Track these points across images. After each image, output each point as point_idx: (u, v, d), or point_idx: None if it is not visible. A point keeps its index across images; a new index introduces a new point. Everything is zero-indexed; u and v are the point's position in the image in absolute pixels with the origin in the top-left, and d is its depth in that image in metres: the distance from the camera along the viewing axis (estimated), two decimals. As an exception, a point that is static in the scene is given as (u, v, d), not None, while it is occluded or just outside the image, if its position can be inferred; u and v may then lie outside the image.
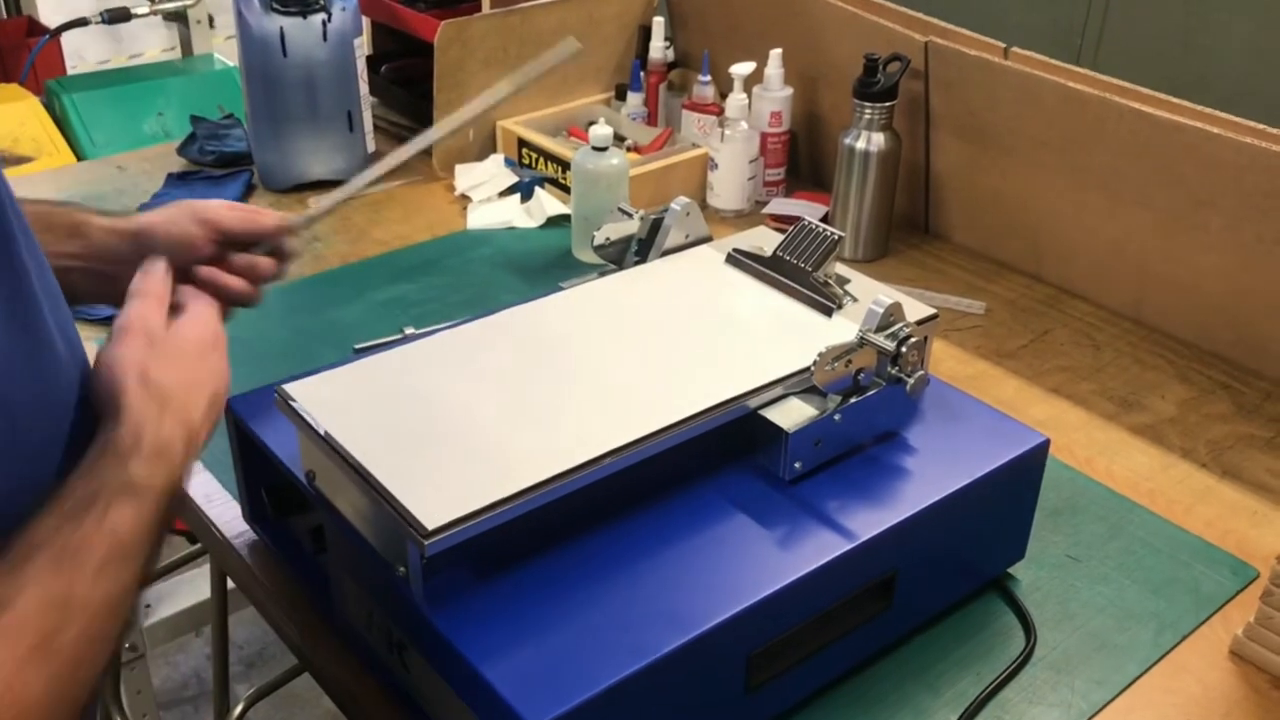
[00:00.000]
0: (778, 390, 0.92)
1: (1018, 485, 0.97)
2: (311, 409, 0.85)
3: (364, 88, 1.64)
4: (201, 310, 0.79)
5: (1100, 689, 0.92)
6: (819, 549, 0.84)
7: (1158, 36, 2.97)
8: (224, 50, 2.80)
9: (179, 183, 1.68)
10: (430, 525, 0.74)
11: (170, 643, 2.12)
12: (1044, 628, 0.97)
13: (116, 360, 0.70)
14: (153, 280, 0.77)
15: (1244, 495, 1.13)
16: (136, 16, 2.71)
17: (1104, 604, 1.00)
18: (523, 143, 1.69)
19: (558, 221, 1.59)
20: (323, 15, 1.56)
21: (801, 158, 1.72)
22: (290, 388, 0.87)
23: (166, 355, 0.72)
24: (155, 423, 0.67)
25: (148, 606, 2.01)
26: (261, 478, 0.97)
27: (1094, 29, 3.07)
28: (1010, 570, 1.02)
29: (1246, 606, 0.99)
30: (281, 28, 1.55)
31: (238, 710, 1.61)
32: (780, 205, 1.63)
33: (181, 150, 1.76)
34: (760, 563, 0.83)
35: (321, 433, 0.82)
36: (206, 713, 2.14)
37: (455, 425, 0.85)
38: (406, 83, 1.91)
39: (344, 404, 0.86)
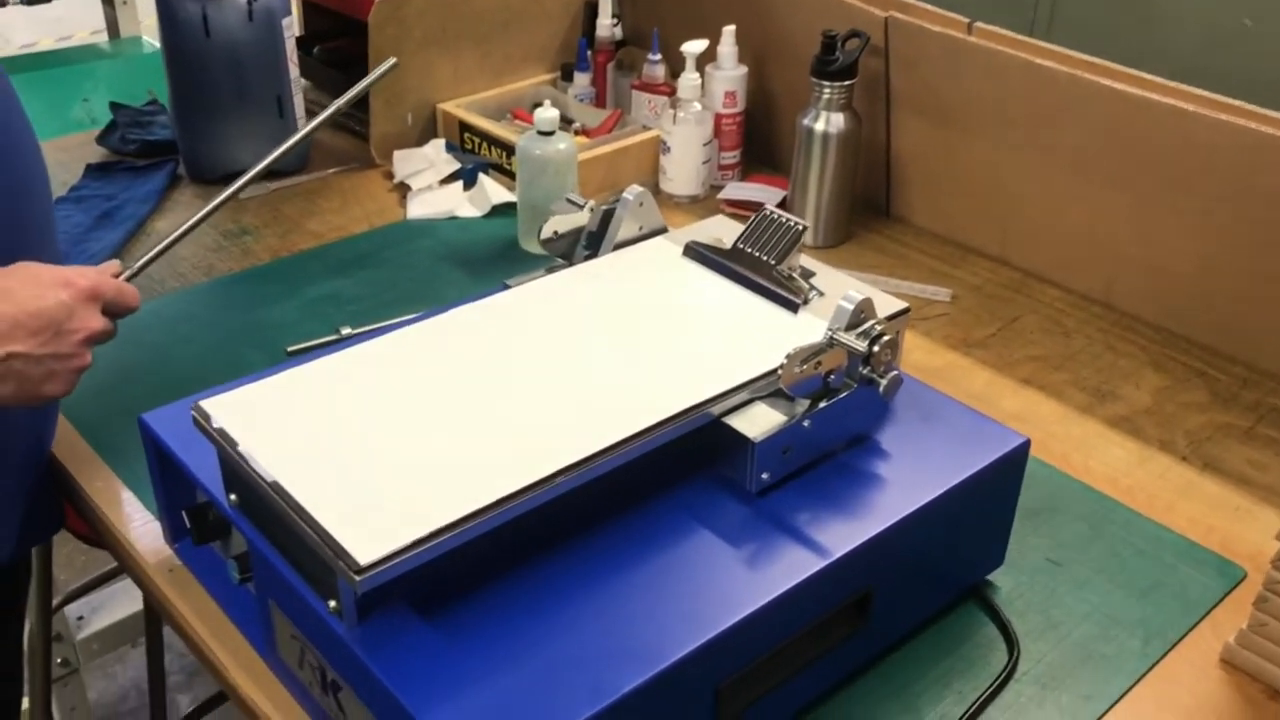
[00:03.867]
0: (743, 395, 0.85)
1: (998, 489, 0.92)
2: (231, 428, 0.77)
3: (294, 71, 1.54)
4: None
5: (1089, 704, 0.86)
6: (790, 568, 0.78)
7: (1113, 8, 2.94)
8: (153, 32, 2.67)
9: (99, 174, 1.58)
10: (364, 560, 0.67)
11: (110, 653, 2.02)
12: (1027, 639, 0.91)
13: None
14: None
15: (1226, 489, 1.08)
16: (56, -2, 2.59)
17: (1088, 610, 0.94)
18: (464, 126, 1.61)
19: (503, 210, 1.51)
20: (248, -7, 1.47)
21: (756, 139, 1.65)
22: (208, 404, 0.79)
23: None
24: None
25: (80, 619, 1.91)
26: (181, 499, 0.88)
27: (1046, 3, 3.04)
28: (989, 577, 0.97)
29: (1234, 609, 0.94)
30: (204, 8, 1.46)
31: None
32: (736, 190, 1.56)
33: (101, 140, 1.66)
34: (727, 586, 0.76)
35: (242, 455, 0.75)
36: (146, 727, 2.05)
37: (393, 443, 0.77)
38: (341, 64, 1.81)
39: (269, 421, 0.78)
